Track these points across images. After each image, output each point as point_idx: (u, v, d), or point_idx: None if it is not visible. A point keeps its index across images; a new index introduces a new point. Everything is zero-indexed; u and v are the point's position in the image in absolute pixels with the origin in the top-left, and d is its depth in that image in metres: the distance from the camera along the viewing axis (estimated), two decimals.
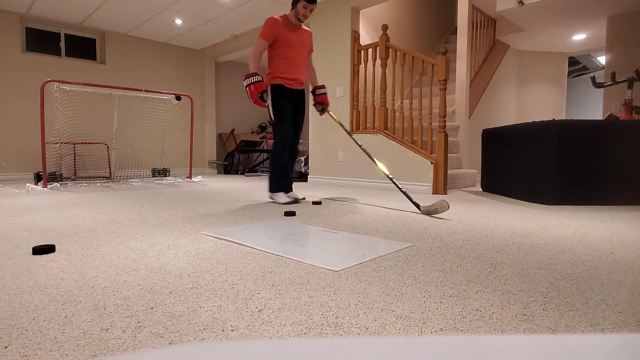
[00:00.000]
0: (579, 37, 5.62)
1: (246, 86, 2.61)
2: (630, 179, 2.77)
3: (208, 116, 6.90)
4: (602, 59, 7.71)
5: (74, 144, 5.34)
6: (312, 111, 4.86)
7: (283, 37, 2.73)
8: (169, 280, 1.09)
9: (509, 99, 6.15)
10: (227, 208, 2.56)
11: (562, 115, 6.49)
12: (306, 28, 2.91)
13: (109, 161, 5.81)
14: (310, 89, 3.07)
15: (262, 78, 2.64)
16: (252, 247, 1.46)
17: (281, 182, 2.85)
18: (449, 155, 4.22)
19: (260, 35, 2.69)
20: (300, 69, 2.86)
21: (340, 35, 4.45)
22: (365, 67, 4.24)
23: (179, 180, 5.17)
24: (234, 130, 7.18)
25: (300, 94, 2.91)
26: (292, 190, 2.98)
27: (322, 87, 3.03)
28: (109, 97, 5.85)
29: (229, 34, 5.97)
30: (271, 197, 2.88)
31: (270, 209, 2.51)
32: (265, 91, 2.63)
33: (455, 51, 5.99)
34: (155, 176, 5.62)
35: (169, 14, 5.16)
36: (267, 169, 7.60)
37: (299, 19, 2.76)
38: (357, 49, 4.31)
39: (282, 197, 2.80)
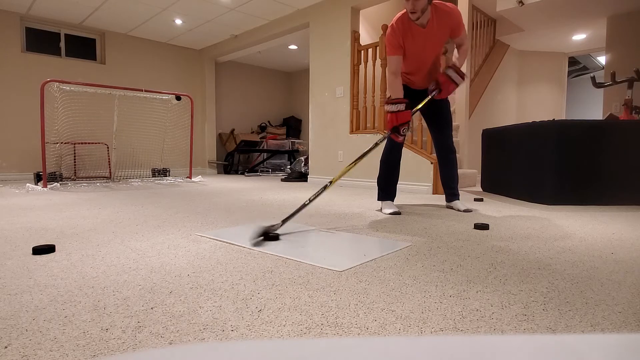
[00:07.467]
0: (579, 37, 5.62)
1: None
2: (630, 179, 2.77)
3: (208, 116, 6.90)
4: (602, 59, 7.71)
5: (74, 144, 5.34)
6: (312, 111, 4.86)
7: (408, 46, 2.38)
8: (169, 280, 1.09)
9: (509, 99, 6.15)
10: (227, 208, 2.56)
11: (562, 115, 6.48)
12: (447, 9, 2.29)
13: (109, 161, 5.81)
14: None
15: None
16: (251, 248, 1.46)
17: None
18: None
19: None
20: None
21: (340, 35, 4.45)
22: (365, 67, 4.24)
23: (179, 180, 5.17)
24: (234, 130, 7.18)
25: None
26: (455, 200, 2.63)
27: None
28: (109, 97, 5.85)
29: (229, 34, 5.97)
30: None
31: (269, 210, 2.51)
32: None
33: None
34: (155, 176, 5.62)
35: (169, 14, 5.16)
36: (266, 169, 7.58)
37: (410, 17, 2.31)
38: (357, 49, 4.31)
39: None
